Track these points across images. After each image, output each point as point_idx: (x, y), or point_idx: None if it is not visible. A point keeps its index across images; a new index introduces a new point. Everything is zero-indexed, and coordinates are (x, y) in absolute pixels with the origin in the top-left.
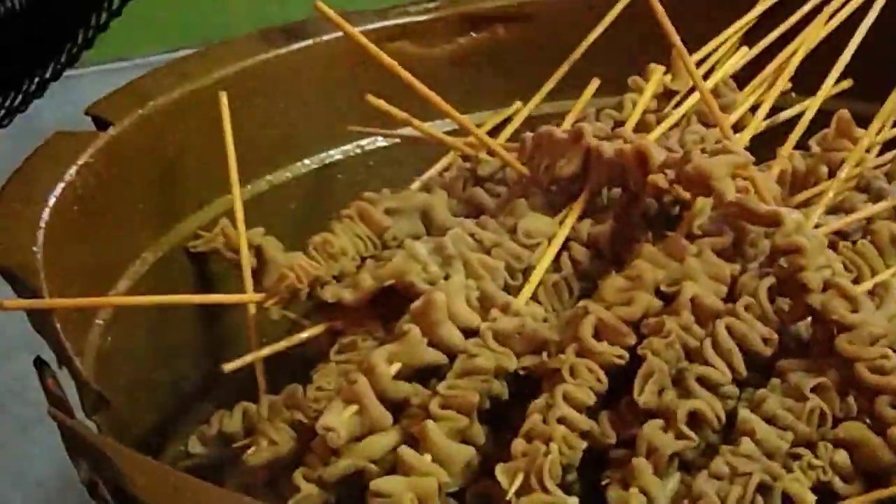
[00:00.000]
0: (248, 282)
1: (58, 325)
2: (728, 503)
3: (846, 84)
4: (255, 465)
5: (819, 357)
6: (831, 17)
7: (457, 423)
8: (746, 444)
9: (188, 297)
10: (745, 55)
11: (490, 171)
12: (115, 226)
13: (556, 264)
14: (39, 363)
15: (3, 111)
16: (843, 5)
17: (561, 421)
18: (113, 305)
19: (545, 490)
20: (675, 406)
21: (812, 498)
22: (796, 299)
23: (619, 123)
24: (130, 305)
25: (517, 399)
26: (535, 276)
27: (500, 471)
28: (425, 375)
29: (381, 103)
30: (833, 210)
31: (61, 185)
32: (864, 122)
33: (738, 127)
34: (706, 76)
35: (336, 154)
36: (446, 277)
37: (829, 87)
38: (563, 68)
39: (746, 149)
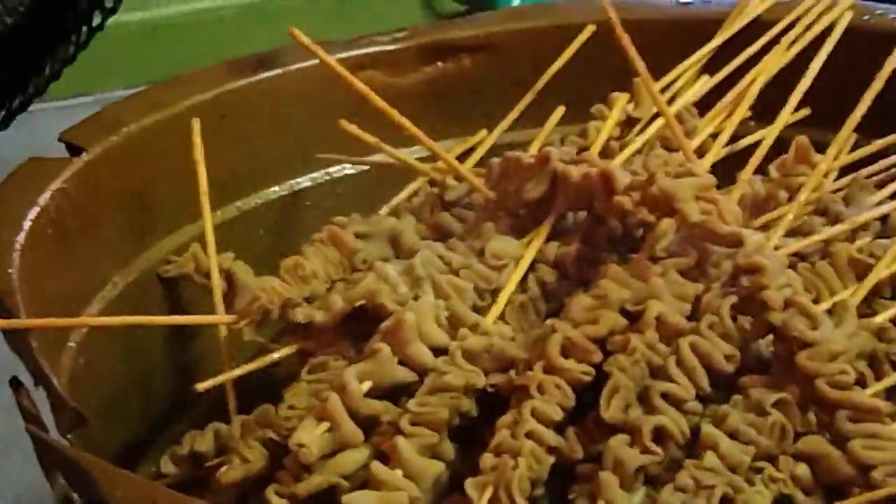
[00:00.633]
0: (219, 304)
1: (34, 344)
2: None
3: (804, 112)
4: (228, 483)
5: (780, 374)
6: (789, 46)
7: (427, 440)
8: (710, 457)
9: (161, 318)
10: (706, 83)
11: (457, 196)
12: (88, 250)
13: (523, 285)
14: (15, 383)
15: None
16: (801, 35)
17: (529, 436)
18: (87, 325)
19: (513, 503)
20: (640, 422)
21: None
22: (758, 317)
23: (584, 150)
24: (103, 327)
25: (486, 417)
26: (503, 297)
27: (469, 485)
28: (396, 393)
29: (353, 128)
30: (792, 233)
31: (36, 210)
32: (821, 148)
33: (699, 153)
34: (669, 103)
35: (305, 181)
36: (416, 298)
37: (787, 115)
38: (528, 97)
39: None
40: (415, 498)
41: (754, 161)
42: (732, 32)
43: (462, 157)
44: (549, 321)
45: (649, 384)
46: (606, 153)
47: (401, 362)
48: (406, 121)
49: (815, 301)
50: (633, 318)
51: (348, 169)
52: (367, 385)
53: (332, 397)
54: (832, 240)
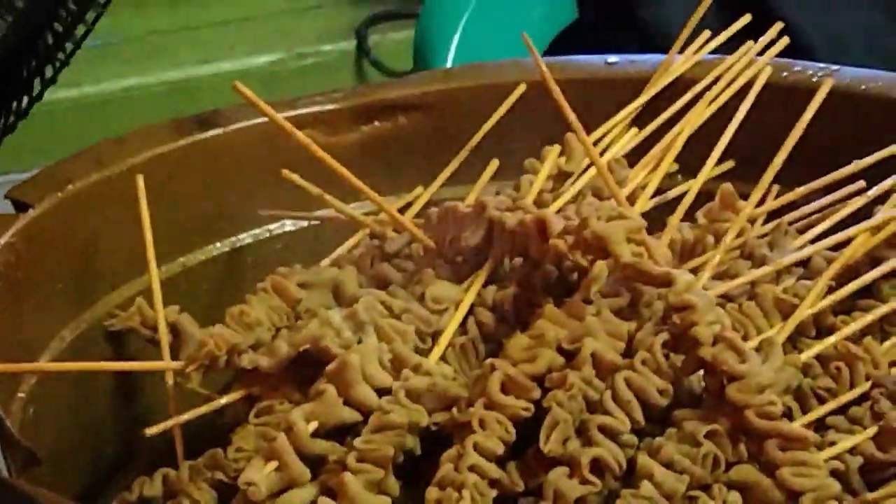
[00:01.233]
0: (166, 351)
1: None
2: None
3: (729, 165)
4: None
5: (711, 406)
6: (711, 102)
7: (373, 476)
8: (646, 486)
9: (110, 364)
10: (634, 135)
11: (397, 247)
12: (36, 304)
13: (462, 328)
14: None
15: None
16: (722, 91)
17: (472, 469)
18: (37, 370)
19: None
20: (578, 454)
21: None
22: (689, 353)
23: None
24: (52, 378)
25: (429, 456)
26: (444, 339)
27: None
28: (341, 433)
29: (296, 178)
30: (719, 276)
31: None
32: (746, 199)
33: (629, 201)
34: (600, 155)
35: (247, 238)
36: (359, 342)
37: (711, 166)
38: (463, 153)
39: None
40: None
41: (682, 208)
42: (657, 90)
43: (400, 212)
44: (488, 360)
45: (586, 418)
46: (540, 204)
47: (346, 403)
48: (347, 172)
49: (744, 339)
50: (570, 356)
51: (288, 226)
52: (313, 425)
53: (280, 437)
54: (758, 282)
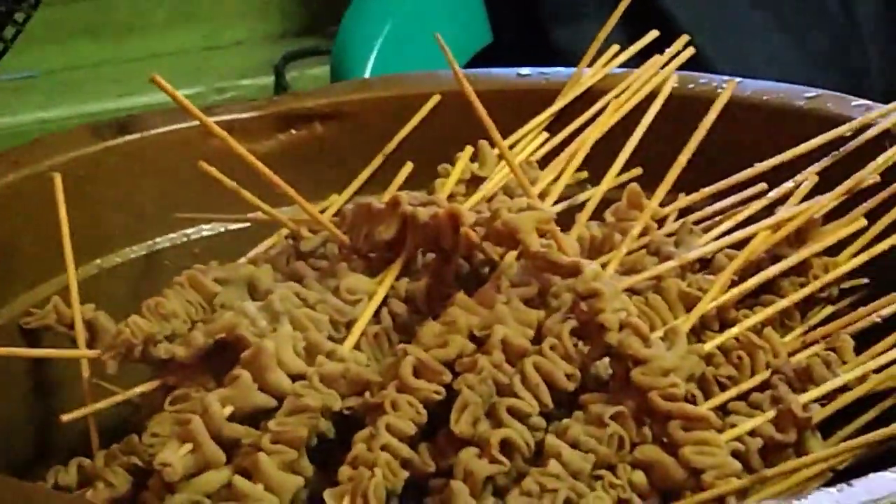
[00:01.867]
0: (82, 341)
1: None
2: None
3: (636, 172)
4: None
5: (617, 390)
6: (617, 110)
7: (287, 456)
8: (553, 465)
9: (26, 350)
10: (546, 139)
11: (312, 247)
12: None
13: (376, 318)
14: None
15: None
16: (628, 100)
17: (384, 448)
18: None
19: None
20: (488, 435)
21: None
22: (596, 339)
23: None
24: None
25: (342, 441)
26: (357, 328)
27: (328, 495)
28: (256, 419)
29: (213, 171)
30: (626, 272)
31: None
32: None
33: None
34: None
35: (163, 242)
36: (274, 331)
37: (616, 171)
38: (378, 159)
39: None
40: None
41: (589, 207)
42: (568, 100)
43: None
44: (401, 346)
45: (496, 401)
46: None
47: (260, 389)
48: (266, 169)
49: (650, 330)
50: (480, 343)
51: (206, 231)
52: (228, 409)
53: (195, 420)
54: (663, 276)
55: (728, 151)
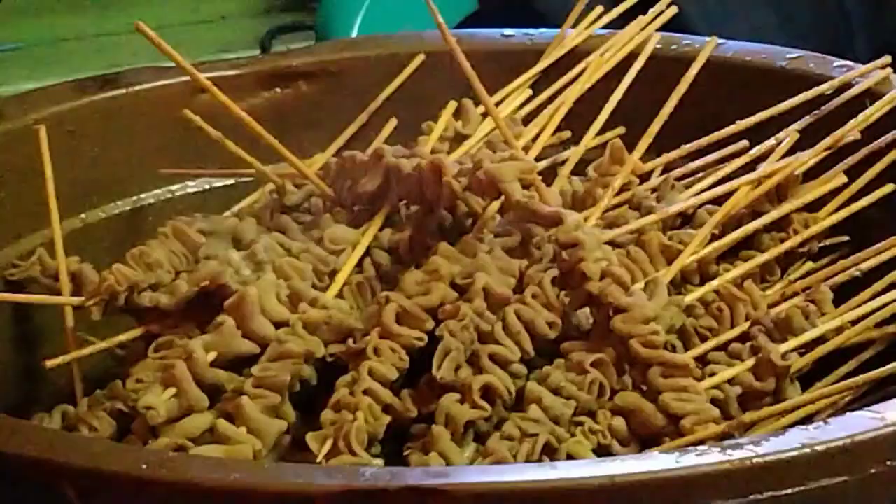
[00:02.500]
0: (66, 289)
1: None
2: (518, 458)
3: (619, 130)
4: None
5: (598, 338)
6: (599, 68)
7: (270, 401)
8: (534, 410)
9: (10, 295)
10: (528, 96)
11: (296, 200)
12: None
13: (359, 267)
14: None
15: None
16: (609, 59)
17: (366, 393)
18: None
19: (353, 453)
20: (469, 381)
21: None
22: (577, 288)
23: None
24: None
25: (325, 388)
26: (341, 277)
27: (310, 438)
28: (239, 366)
29: (197, 119)
30: (608, 226)
31: None
32: None
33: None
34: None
35: (148, 198)
36: (258, 280)
37: (597, 127)
38: (363, 117)
39: None
40: (258, 451)
41: (571, 162)
42: (553, 60)
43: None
44: (383, 293)
45: (478, 348)
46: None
47: (244, 336)
48: (250, 119)
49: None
50: (462, 292)
51: (191, 187)
52: (212, 355)
53: (179, 364)
54: (645, 229)
55: (711, 113)
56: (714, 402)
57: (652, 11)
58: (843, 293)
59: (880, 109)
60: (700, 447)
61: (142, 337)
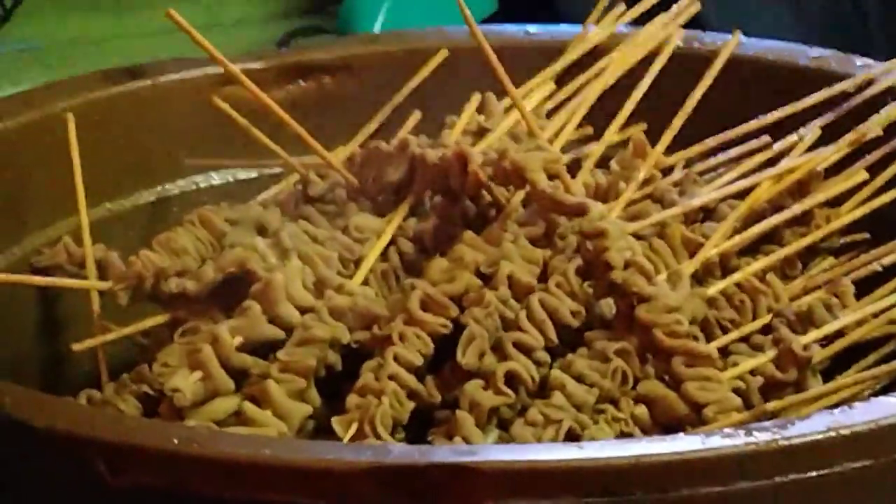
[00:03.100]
0: (92, 273)
1: None
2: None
3: (641, 127)
4: None
5: (621, 327)
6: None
7: (295, 385)
8: (557, 396)
9: (37, 278)
10: (553, 90)
11: (320, 191)
12: None
13: (384, 256)
14: None
15: None
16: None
17: (392, 378)
18: None
19: (377, 437)
20: (493, 367)
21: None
22: (601, 278)
23: None
24: None
25: (349, 375)
26: (366, 265)
27: (335, 422)
28: (264, 352)
29: (226, 106)
30: (631, 218)
31: None
32: None
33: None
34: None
35: (173, 189)
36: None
37: (620, 123)
38: (387, 109)
39: None
40: (283, 435)
41: (594, 155)
42: (576, 56)
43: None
44: (408, 280)
45: (502, 335)
46: None
47: (270, 321)
48: (277, 108)
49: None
50: (487, 280)
51: (215, 179)
52: (238, 340)
53: (206, 348)
54: (667, 222)
55: (733, 111)
56: (736, 392)
57: (675, 8)
58: (864, 288)
59: None
60: (726, 430)
61: (167, 325)
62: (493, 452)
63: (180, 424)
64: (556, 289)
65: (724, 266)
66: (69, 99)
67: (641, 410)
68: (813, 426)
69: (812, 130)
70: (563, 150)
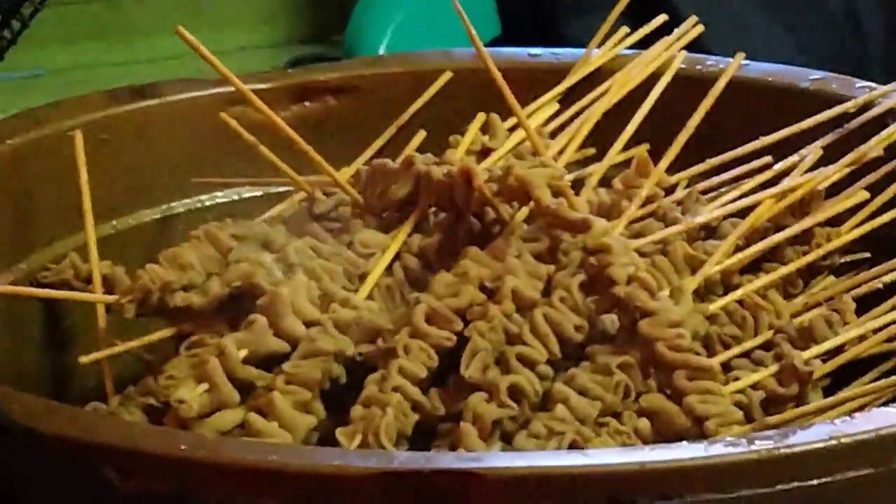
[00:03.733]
0: (98, 291)
1: None
2: None
3: (644, 147)
4: None
5: (624, 341)
6: (625, 84)
7: (301, 396)
8: (561, 409)
9: (44, 290)
10: (556, 109)
11: (326, 209)
12: None
13: (389, 271)
14: None
15: None
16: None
17: (396, 390)
18: None
19: (382, 448)
20: (497, 380)
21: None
22: (604, 292)
23: None
24: None
25: (354, 388)
26: (371, 279)
27: (340, 433)
28: (270, 364)
29: (233, 122)
30: (634, 236)
31: None
32: None
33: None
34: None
35: (178, 207)
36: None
37: (622, 143)
38: (391, 129)
39: None
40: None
41: (597, 174)
42: (579, 78)
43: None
44: (413, 294)
45: (505, 349)
46: None
47: (275, 334)
48: (283, 124)
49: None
50: (491, 294)
51: (219, 197)
52: (243, 352)
53: (212, 360)
54: (669, 240)
55: (734, 133)
56: (738, 406)
57: (678, 31)
58: (865, 306)
59: None
60: (729, 438)
61: (172, 339)
62: (497, 459)
63: (188, 432)
64: (560, 303)
65: (726, 283)
66: (77, 117)
67: (644, 423)
68: (815, 435)
69: (813, 151)
70: (566, 169)
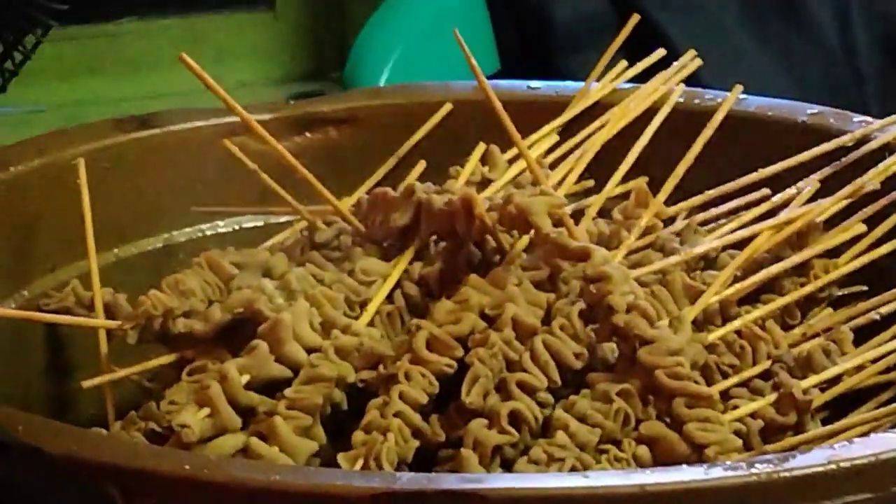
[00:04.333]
0: (100, 312)
1: None
2: None
3: (643, 180)
4: None
5: (623, 369)
6: (624, 116)
7: (302, 422)
8: (561, 436)
9: (48, 315)
10: (556, 140)
11: (326, 238)
12: None
13: (389, 299)
14: None
15: None
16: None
17: (397, 415)
18: None
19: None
20: (497, 407)
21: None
22: (604, 321)
23: None
24: None
25: (355, 414)
26: (372, 307)
27: (341, 457)
28: (271, 391)
29: (236, 150)
30: (633, 266)
31: None
32: None
33: None
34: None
35: (180, 236)
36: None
37: (620, 175)
38: (392, 161)
39: None
40: None
41: (595, 205)
42: (578, 111)
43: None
44: (414, 321)
45: (506, 375)
46: None
47: (277, 360)
48: (286, 152)
49: None
50: (491, 322)
51: (220, 227)
52: (245, 378)
53: (214, 385)
54: (668, 270)
55: (733, 164)
56: (736, 434)
57: (676, 64)
58: (863, 336)
59: None
60: (728, 462)
61: (173, 365)
62: (500, 480)
63: (192, 452)
64: (560, 331)
65: (725, 314)
66: (80, 146)
67: (643, 451)
68: (813, 459)
69: (810, 183)
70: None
